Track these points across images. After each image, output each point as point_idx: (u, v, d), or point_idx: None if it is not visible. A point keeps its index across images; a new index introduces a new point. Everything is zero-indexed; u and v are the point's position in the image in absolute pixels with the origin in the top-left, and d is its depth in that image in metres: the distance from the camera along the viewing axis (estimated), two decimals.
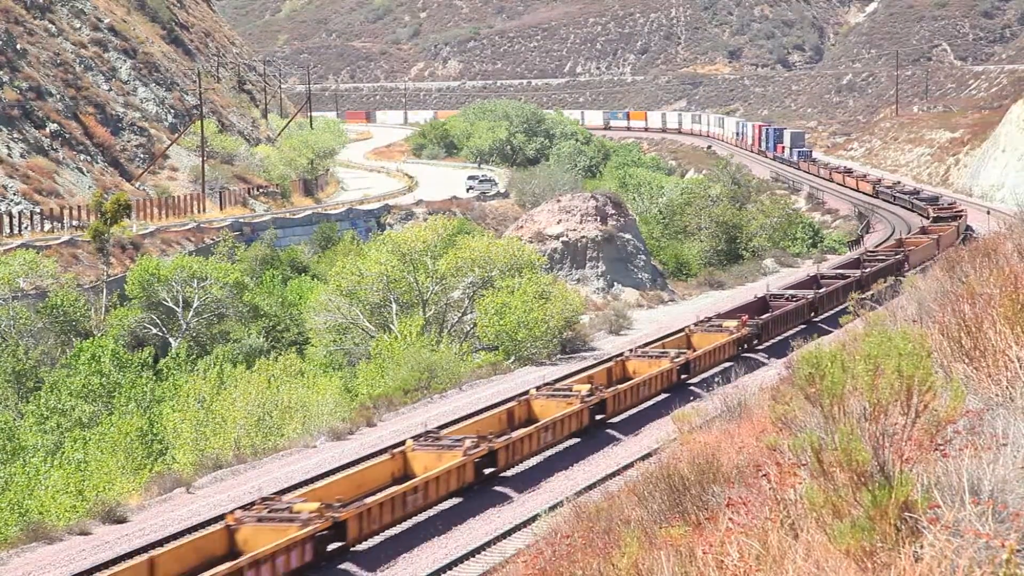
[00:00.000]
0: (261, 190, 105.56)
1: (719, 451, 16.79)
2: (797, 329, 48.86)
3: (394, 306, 50.58)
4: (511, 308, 46.90)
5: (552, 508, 26.10)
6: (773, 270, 71.92)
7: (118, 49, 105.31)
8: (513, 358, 46.75)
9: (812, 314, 50.97)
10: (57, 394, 44.31)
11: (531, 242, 60.98)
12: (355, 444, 34.82)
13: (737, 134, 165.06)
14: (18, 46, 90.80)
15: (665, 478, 14.59)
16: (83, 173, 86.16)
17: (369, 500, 26.97)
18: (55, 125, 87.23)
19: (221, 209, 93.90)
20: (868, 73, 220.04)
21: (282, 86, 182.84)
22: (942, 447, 9.59)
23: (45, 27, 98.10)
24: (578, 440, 34.97)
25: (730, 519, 10.60)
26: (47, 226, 74.71)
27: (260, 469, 32.69)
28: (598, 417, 35.94)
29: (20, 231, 72.44)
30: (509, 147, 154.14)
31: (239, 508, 25.64)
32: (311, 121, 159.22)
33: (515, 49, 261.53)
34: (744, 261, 77.03)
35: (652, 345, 43.96)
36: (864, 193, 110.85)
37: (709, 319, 46.80)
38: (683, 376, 40.80)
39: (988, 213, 77.09)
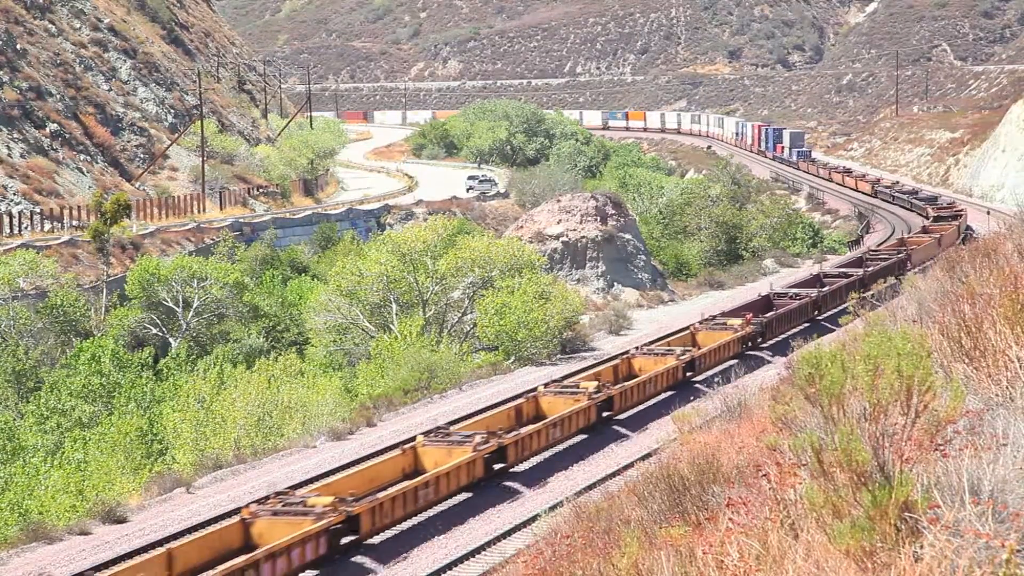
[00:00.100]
0: (261, 190, 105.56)
1: (719, 451, 16.79)
2: (801, 327, 49.08)
3: (394, 306, 50.58)
4: (511, 308, 46.91)
5: (552, 508, 26.14)
6: (773, 270, 71.94)
7: (118, 49, 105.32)
8: (513, 358, 46.75)
9: (816, 313, 51.21)
10: (57, 394, 44.30)
11: (531, 242, 60.98)
12: (355, 444, 34.84)
13: (737, 134, 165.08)
14: (18, 46, 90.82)
15: (665, 478, 14.60)
16: (83, 173, 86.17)
17: (382, 495, 27.31)
18: (55, 125, 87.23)
19: (221, 209, 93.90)
20: (868, 73, 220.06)
21: (282, 86, 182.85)
22: (942, 447, 9.59)
23: (45, 27, 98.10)
24: (586, 437, 35.27)
25: (730, 519, 10.60)
26: (47, 226, 74.71)
27: (260, 469, 32.70)
28: (605, 414, 36.27)
29: (20, 231, 72.44)
30: (509, 147, 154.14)
31: (254, 502, 26.00)
32: (311, 121, 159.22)
33: (515, 49, 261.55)
34: (744, 261, 77.04)
35: (658, 343, 44.34)
36: (863, 193, 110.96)
37: (713, 317, 47.10)
38: (688, 374, 41.16)
39: (988, 213, 77.10)
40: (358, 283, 50.76)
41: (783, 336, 47.34)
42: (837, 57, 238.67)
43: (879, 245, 73.13)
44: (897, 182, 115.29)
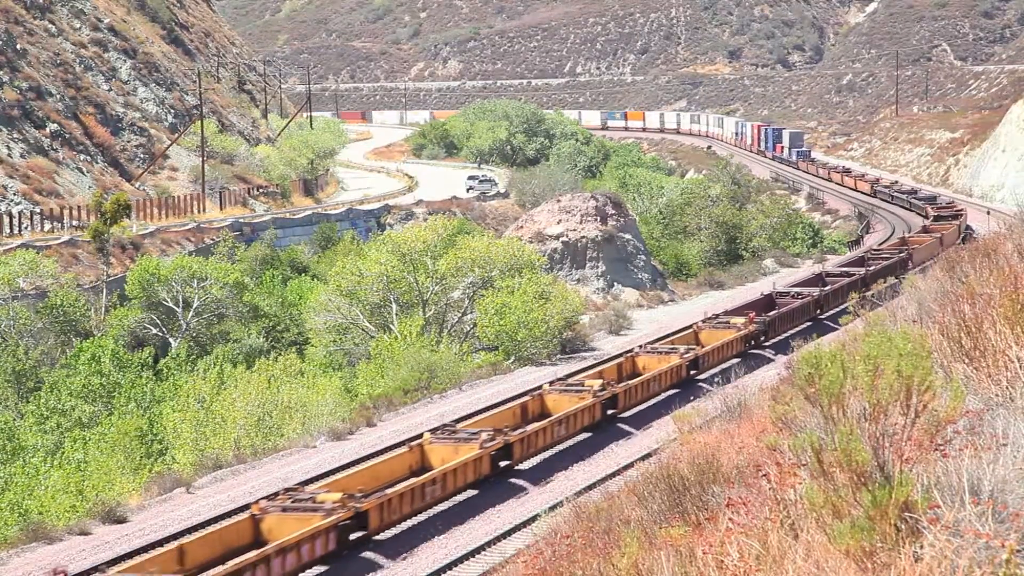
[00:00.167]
0: (261, 190, 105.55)
1: (719, 451, 16.79)
2: (803, 326, 49.27)
3: (394, 306, 50.58)
4: (511, 308, 46.92)
5: (552, 508, 26.19)
6: (773, 270, 72.00)
7: (118, 49, 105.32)
8: (513, 358, 46.77)
9: (818, 312, 51.37)
10: (57, 394, 44.30)
11: (531, 242, 60.98)
12: (355, 444, 34.85)
13: (736, 134, 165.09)
14: (18, 46, 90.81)
15: (665, 478, 14.59)
16: (83, 173, 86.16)
17: (390, 491, 27.54)
18: (55, 125, 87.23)
19: (221, 209, 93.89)
20: (868, 73, 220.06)
21: (282, 86, 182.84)
22: (942, 447, 9.59)
23: (45, 27, 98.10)
24: (590, 434, 35.49)
25: (730, 519, 10.60)
26: (47, 226, 74.70)
27: (260, 469, 32.70)
28: (610, 412, 36.49)
29: (20, 231, 72.43)
30: (509, 147, 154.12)
31: (264, 498, 26.27)
32: (311, 121, 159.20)
33: (515, 49, 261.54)
34: (744, 261, 77.05)
35: (661, 341, 44.63)
36: (862, 192, 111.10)
37: (717, 316, 47.36)
38: (692, 372, 41.39)
39: (988, 213, 77.11)
40: (358, 283, 50.76)
41: (786, 335, 47.53)
42: (837, 57, 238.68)
43: (881, 244, 73.32)
44: (896, 182, 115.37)
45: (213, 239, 78.66)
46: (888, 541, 8.78)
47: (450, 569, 25.66)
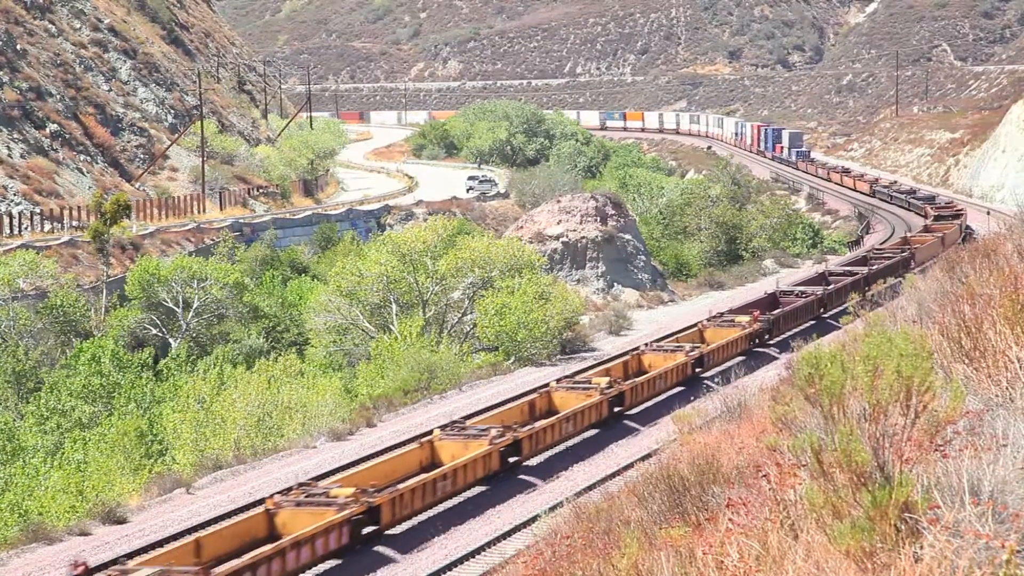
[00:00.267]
0: (261, 190, 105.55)
1: (719, 452, 16.79)
2: (807, 325, 49.55)
3: (394, 307, 50.57)
4: (511, 309, 46.93)
5: (552, 508, 26.25)
6: (773, 271, 72.05)
7: (118, 49, 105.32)
8: (513, 359, 46.78)
9: (821, 310, 51.56)
10: (57, 395, 44.29)
11: (531, 243, 60.97)
12: (355, 445, 34.87)
13: (736, 134, 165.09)
14: (18, 46, 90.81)
15: (665, 479, 14.59)
16: (83, 173, 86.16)
17: (402, 486, 27.90)
18: (55, 125, 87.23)
19: (221, 209, 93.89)
20: (868, 73, 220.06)
21: (282, 86, 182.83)
22: (942, 448, 9.58)
23: (45, 27, 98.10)
24: (597, 431, 35.80)
25: (730, 520, 10.60)
26: (47, 226, 74.70)
27: (260, 470, 32.71)
28: (617, 409, 36.79)
29: (20, 231, 72.43)
30: (509, 147, 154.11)
31: (278, 493, 26.61)
32: (311, 121, 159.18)
33: (515, 49, 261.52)
34: (744, 262, 77.05)
35: (667, 339, 45.01)
36: (861, 192, 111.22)
37: (721, 314, 47.68)
38: (697, 370, 41.70)
39: (988, 214, 77.12)
40: (358, 283, 50.75)
41: (790, 333, 47.80)
42: (837, 57, 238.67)
43: (883, 243, 73.58)
44: (895, 182, 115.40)
45: (213, 239, 78.66)
46: (888, 542, 8.78)
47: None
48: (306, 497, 26.15)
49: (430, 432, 31.92)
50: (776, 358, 44.58)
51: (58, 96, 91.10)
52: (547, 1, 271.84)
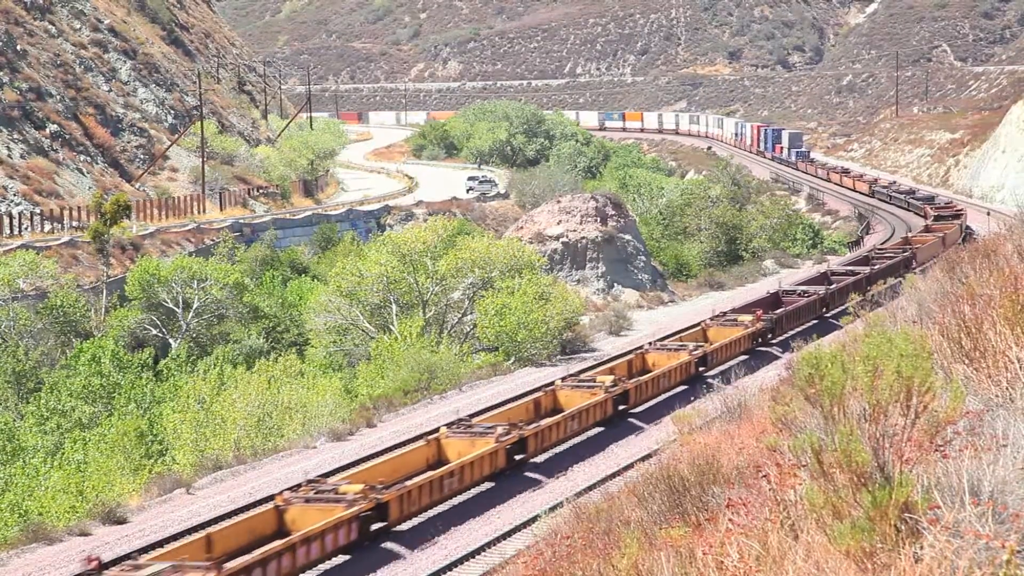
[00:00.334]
0: (261, 191, 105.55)
1: (719, 452, 16.79)
2: (809, 324, 49.72)
3: (394, 307, 50.57)
4: (511, 309, 46.93)
5: (552, 508, 26.27)
6: (773, 271, 72.08)
7: (118, 50, 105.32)
8: (513, 359, 46.78)
9: (824, 309, 51.71)
10: (57, 395, 44.28)
11: (531, 243, 60.97)
12: (355, 445, 34.88)
13: (736, 135, 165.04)
14: (18, 47, 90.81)
15: (665, 479, 14.60)
16: (83, 174, 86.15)
17: (409, 483, 28.16)
18: (55, 126, 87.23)
19: (221, 210, 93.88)
20: (868, 74, 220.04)
21: (282, 87, 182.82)
22: (942, 448, 9.58)
23: (45, 28, 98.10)
24: (602, 429, 36.03)
25: (730, 520, 10.60)
26: (47, 227, 74.69)
27: (260, 470, 32.71)
28: (621, 407, 37.05)
29: (20, 232, 72.42)
30: (509, 148, 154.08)
31: (287, 489, 26.86)
32: (311, 122, 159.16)
33: (515, 50, 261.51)
34: (744, 262, 77.05)
35: (671, 338, 45.26)
36: (860, 192, 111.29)
37: (724, 314, 48.01)
38: (701, 368, 41.95)
39: (988, 214, 77.13)
40: (358, 284, 50.75)
41: (792, 332, 47.94)
42: (837, 58, 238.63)
43: (884, 243, 73.80)
44: (894, 182, 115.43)
45: (213, 240, 78.65)
46: (888, 542, 8.78)
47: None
48: (315, 493, 26.38)
49: (437, 430, 32.18)
50: (778, 357, 44.79)
51: (58, 96, 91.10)
52: (547, 1, 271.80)
